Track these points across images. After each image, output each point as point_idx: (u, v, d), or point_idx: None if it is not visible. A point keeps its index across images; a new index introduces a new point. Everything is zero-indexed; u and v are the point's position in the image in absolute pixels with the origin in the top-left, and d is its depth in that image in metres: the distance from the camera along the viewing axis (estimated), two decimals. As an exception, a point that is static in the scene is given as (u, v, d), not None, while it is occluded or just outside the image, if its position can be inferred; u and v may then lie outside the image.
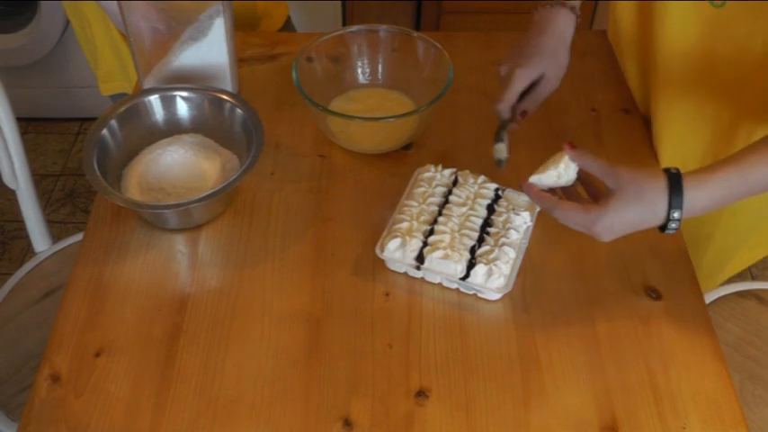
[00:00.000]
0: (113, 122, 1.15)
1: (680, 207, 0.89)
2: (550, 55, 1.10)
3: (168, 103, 1.19)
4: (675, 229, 0.91)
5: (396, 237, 1.03)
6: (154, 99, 1.19)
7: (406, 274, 1.06)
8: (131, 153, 1.17)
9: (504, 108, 1.10)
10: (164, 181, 1.13)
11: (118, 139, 1.15)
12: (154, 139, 1.18)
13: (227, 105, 1.18)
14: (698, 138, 1.17)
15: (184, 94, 1.19)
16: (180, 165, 1.15)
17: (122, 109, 1.16)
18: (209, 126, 1.20)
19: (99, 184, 1.06)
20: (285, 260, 1.08)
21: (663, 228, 0.91)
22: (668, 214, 0.90)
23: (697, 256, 1.19)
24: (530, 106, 1.11)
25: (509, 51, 1.13)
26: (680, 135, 1.19)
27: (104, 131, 1.13)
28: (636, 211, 0.91)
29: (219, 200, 1.10)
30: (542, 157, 1.20)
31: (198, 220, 1.12)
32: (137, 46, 1.23)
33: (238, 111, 1.17)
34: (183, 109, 1.20)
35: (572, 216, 0.94)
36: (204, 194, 1.06)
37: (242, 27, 1.54)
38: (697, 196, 0.89)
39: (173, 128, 1.20)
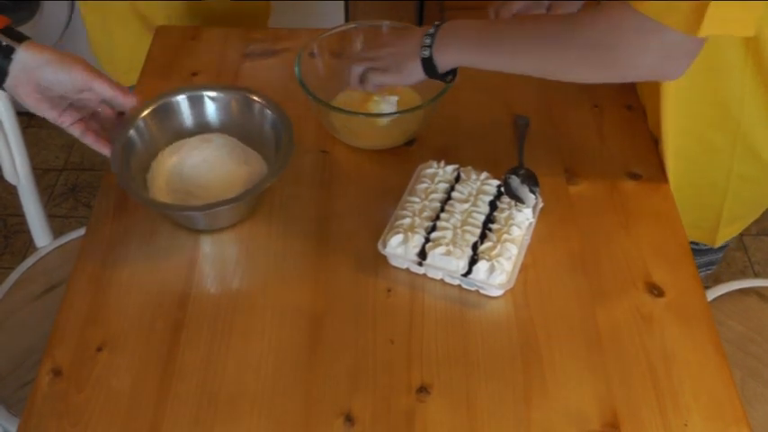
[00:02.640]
0: (140, 122, 1.13)
1: (436, 29, 1.06)
2: None
3: (196, 103, 1.18)
4: (430, 36, 1.06)
5: (398, 233, 1.03)
6: (181, 99, 1.17)
7: (408, 270, 1.06)
8: (157, 152, 1.16)
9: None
10: (189, 183, 1.12)
11: (145, 139, 1.14)
12: (181, 138, 1.17)
13: (257, 106, 1.17)
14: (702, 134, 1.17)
15: (212, 93, 1.18)
16: (207, 166, 1.14)
17: (150, 109, 1.15)
18: (236, 126, 1.19)
19: (131, 189, 1.05)
20: (287, 255, 1.08)
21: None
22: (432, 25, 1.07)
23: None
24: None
25: None
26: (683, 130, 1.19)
27: (132, 132, 1.12)
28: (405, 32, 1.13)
29: (247, 203, 1.09)
30: (543, 153, 1.21)
31: (223, 223, 1.11)
32: None
33: (267, 111, 1.15)
34: (210, 109, 1.19)
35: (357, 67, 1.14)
36: (232, 198, 1.04)
37: (224, 23, 1.54)
38: (460, 22, 1.06)
39: (200, 128, 1.19)
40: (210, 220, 1.10)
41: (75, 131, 1.06)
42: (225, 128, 1.19)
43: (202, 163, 1.14)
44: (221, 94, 1.19)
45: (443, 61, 1.07)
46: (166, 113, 1.17)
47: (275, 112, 1.15)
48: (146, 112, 1.15)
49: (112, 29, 1.55)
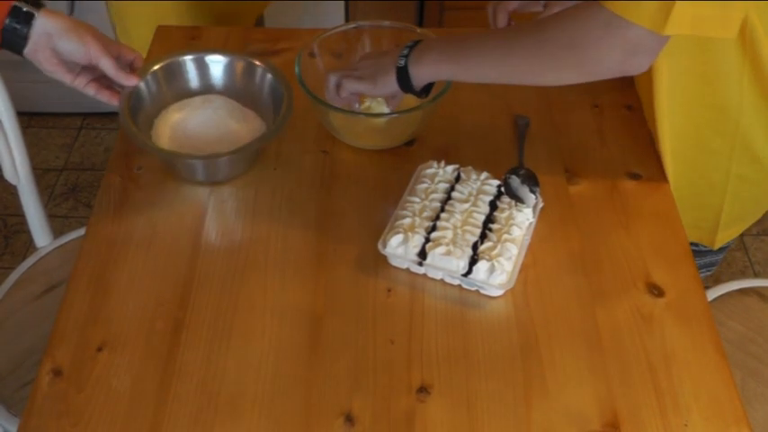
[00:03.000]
0: (149, 78, 1.20)
1: (415, 43, 1.08)
2: None
3: (201, 65, 1.24)
4: (408, 48, 1.07)
5: (398, 233, 1.03)
6: (189, 59, 1.24)
7: (408, 270, 1.06)
8: (160, 110, 1.22)
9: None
10: (193, 139, 1.17)
11: (153, 95, 1.21)
12: (185, 98, 1.24)
13: (259, 70, 1.22)
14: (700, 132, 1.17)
15: (217, 57, 1.25)
16: (210, 124, 1.20)
17: (156, 67, 1.21)
18: (238, 89, 1.24)
19: (137, 138, 1.12)
20: (287, 255, 1.08)
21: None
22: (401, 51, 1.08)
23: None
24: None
25: None
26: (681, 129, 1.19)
27: (141, 86, 1.17)
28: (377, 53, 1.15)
29: (245, 158, 1.16)
30: (543, 153, 1.21)
31: (222, 176, 1.17)
32: None
33: (268, 76, 1.21)
34: (215, 71, 1.25)
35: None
36: (233, 150, 1.11)
37: (215, 20, 1.55)
38: (440, 37, 1.10)
39: (204, 89, 1.25)
40: (210, 170, 1.16)
41: (90, 91, 1.11)
42: (227, 90, 1.25)
43: (205, 122, 1.20)
44: (226, 58, 1.25)
45: (418, 73, 1.07)
46: (173, 73, 1.24)
47: (276, 76, 1.21)
48: (154, 69, 1.21)
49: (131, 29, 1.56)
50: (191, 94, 1.24)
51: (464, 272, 1.01)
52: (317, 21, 2.39)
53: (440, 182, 1.11)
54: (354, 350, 0.97)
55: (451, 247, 1.02)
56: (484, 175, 1.12)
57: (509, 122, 1.26)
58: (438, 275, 1.04)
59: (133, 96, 1.16)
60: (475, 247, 1.03)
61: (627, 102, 1.29)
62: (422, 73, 1.08)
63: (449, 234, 1.04)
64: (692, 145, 1.14)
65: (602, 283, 1.04)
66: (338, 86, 1.15)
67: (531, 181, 1.11)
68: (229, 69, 1.25)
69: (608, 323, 1.00)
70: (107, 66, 1.07)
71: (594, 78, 0.97)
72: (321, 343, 0.98)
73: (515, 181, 1.10)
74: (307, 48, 1.24)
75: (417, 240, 1.03)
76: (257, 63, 1.23)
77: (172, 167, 1.18)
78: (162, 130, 1.19)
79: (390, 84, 1.10)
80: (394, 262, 1.06)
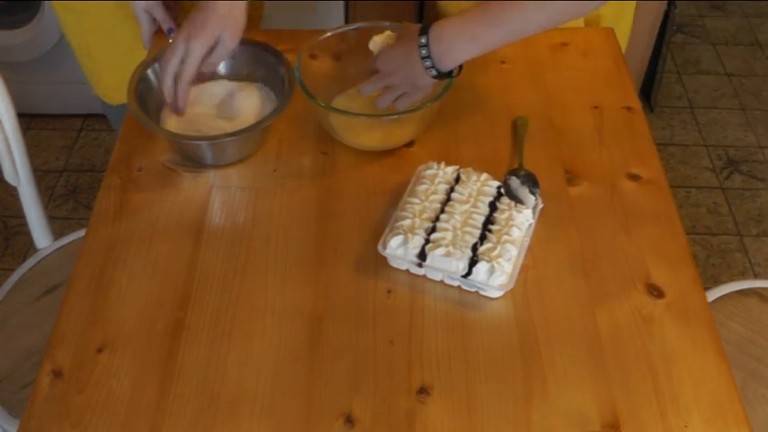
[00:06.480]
0: (156, 66, 1.22)
1: (426, 32, 1.08)
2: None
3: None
4: (427, 57, 1.08)
5: (398, 234, 1.03)
6: None
7: (408, 271, 1.06)
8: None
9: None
10: (199, 124, 1.20)
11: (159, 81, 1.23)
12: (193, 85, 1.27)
13: (262, 54, 1.26)
14: None
15: None
16: (216, 110, 1.22)
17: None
18: (245, 75, 1.28)
19: (144, 121, 1.15)
20: (287, 257, 1.08)
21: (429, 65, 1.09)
22: (418, 41, 1.08)
23: None
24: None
25: None
26: None
27: (148, 71, 1.22)
28: (401, 47, 1.13)
29: (252, 138, 1.18)
30: (543, 154, 1.21)
31: (230, 158, 1.19)
32: None
33: (271, 59, 1.25)
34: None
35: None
36: (239, 129, 1.14)
37: None
38: (441, 25, 1.09)
39: (211, 74, 1.27)
40: (218, 153, 1.18)
41: None
42: (234, 76, 1.28)
43: (212, 107, 1.23)
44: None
45: (450, 66, 1.10)
46: None
47: (279, 60, 1.25)
48: (161, 57, 1.22)
49: (95, 53, 1.53)
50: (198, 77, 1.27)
51: (464, 273, 1.01)
52: (317, 21, 2.39)
53: (440, 183, 1.11)
54: (354, 351, 0.97)
55: (451, 249, 1.02)
56: (484, 176, 1.12)
57: (509, 123, 1.26)
58: (438, 277, 1.04)
59: (141, 84, 1.19)
60: (474, 248, 1.03)
61: (627, 102, 1.29)
62: (455, 63, 1.11)
63: (448, 235, 1.04)
64: None
65: (602, 284, 1.04)
66: (386, 102, 1.18)
67: (531, 182, 1.11)
68: (236, 55, 1.27)
69: (608, 324, 1.00)
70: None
71: None
72: (321, 344, 0.98)
73: (515, 182, 1.11)
74: (307, 49, 1.24)
75: (417, 241, 1.03)
76: (262, 49, 1.26)
77: (180, 153, 1.20)
78: (170, 115, 1.21)
79: (430, 83, 1.13)
80: (394, 263, 1.06)
